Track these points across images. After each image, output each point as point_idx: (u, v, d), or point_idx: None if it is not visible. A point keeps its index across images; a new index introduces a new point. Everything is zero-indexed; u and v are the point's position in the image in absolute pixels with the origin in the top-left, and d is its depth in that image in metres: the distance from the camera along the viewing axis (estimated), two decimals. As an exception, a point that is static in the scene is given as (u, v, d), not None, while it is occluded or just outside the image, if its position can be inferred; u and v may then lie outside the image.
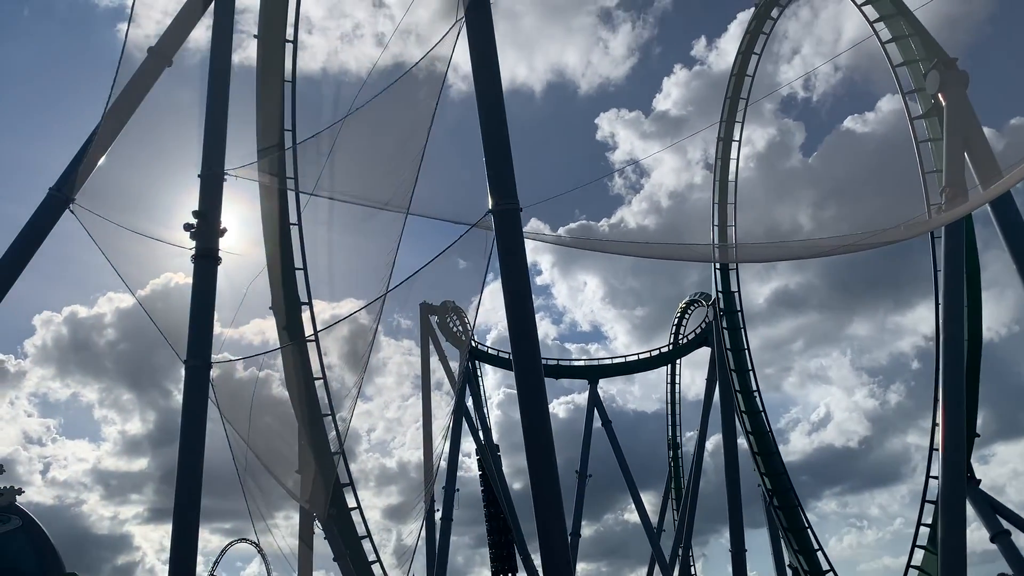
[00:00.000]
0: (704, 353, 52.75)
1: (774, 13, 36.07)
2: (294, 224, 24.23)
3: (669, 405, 64.76)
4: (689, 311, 60.95)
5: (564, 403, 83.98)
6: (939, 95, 23.34)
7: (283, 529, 24.04)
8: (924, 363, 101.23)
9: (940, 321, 21.06)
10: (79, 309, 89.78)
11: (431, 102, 16.08)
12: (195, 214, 18.39)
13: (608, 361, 55.33)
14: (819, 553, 31.73)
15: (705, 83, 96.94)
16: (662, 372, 63.26)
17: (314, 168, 19.90)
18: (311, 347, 25.04)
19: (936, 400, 25.34)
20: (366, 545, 26.86)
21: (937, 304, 24.80)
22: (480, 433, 55.84)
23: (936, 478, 25.45)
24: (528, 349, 14.05)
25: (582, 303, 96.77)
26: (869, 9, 26.35)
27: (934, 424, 25.34)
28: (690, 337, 55.88)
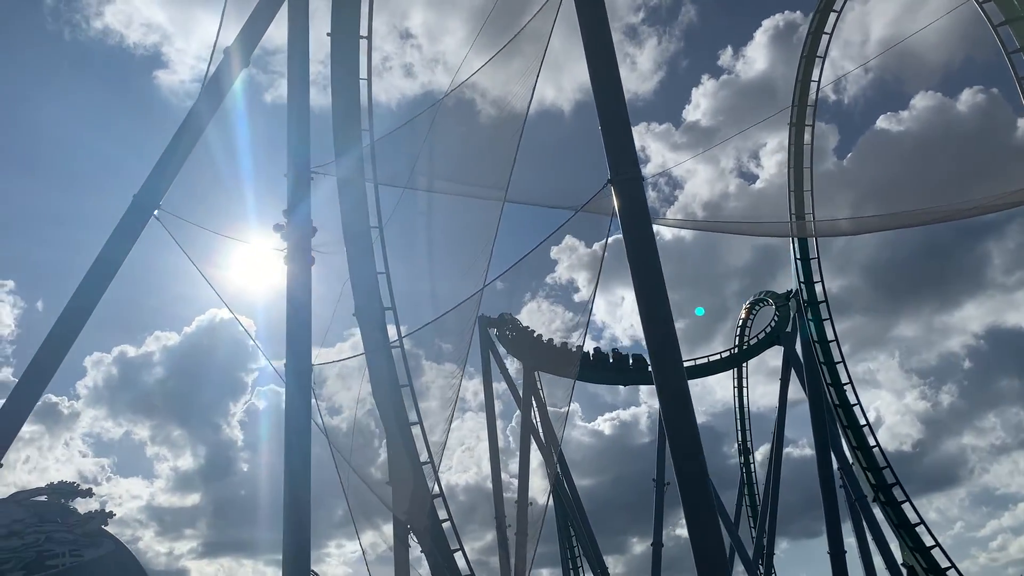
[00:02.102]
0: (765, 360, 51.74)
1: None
2: (374, 227, 23.44)
3: (737, 410, 63.25)
4: (755, 310, 59.46)
5: (616, 415, 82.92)
6: (1051, 50, 21.98)
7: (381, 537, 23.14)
8: (975, 362, 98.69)
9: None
10: (128, 349, 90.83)
11: (531, 77, 15.15)
12: (285, 213, 17.69)
13: (691, 363, 53.84)
14: (934, 550, 29.93)
15: (733, 92, 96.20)
16: (720, 380, 62.09)
17: (405, 163, 19.08)
18: (397, 353, 24.21)
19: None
20: (459, 560, 25.97)
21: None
22: (552, 449, 54.87)
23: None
24: (664, 332, 12.88)
25: (621, 318, 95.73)
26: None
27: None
28: (760, 337, 54.51)
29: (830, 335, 35.92)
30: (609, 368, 53.80)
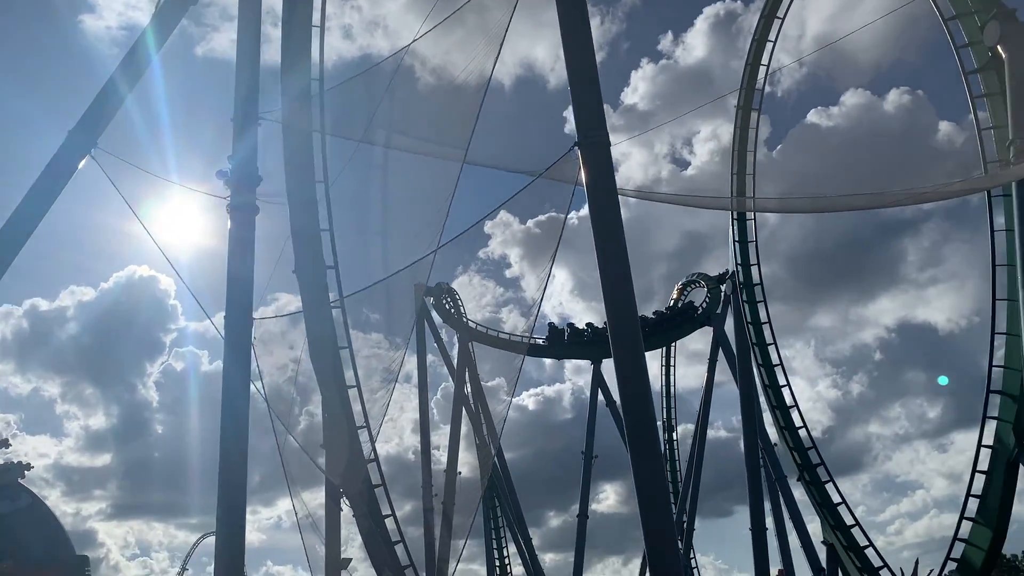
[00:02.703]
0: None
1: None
2: (320, 181, 22.66)
3: (664, 387, 64.26)
4: (688, 291, 60.28)
5: (541, 391, 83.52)
6: (998, 47, 22.44)
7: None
8: (886, 354, 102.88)
9: (1019, 280, 19.95)
10: (40, 302, 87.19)
11: (500, 29, 14.67)
12: (230, 159, 16.90)
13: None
14: (854, 529, 30.90)
15: (671, 77, 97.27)
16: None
17: (358, 117, 18.37)
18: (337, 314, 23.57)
19: (990, 370, 24.57)
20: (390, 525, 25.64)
21: (994, 266, 23.91)
22: (482, 419, 54.87)
23: (989, 446, 24.75)
24: (623, 300, 12.71)
25: (551, 296, 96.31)
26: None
27: (988, 392, 24.49)
28: (695, 314, 55.32)
29: (763, 317, 36.51)
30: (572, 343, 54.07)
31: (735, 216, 37.64)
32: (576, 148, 13.43)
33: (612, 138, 13.33)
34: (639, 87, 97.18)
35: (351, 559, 23.37)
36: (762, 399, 35.84)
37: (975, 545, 25.22)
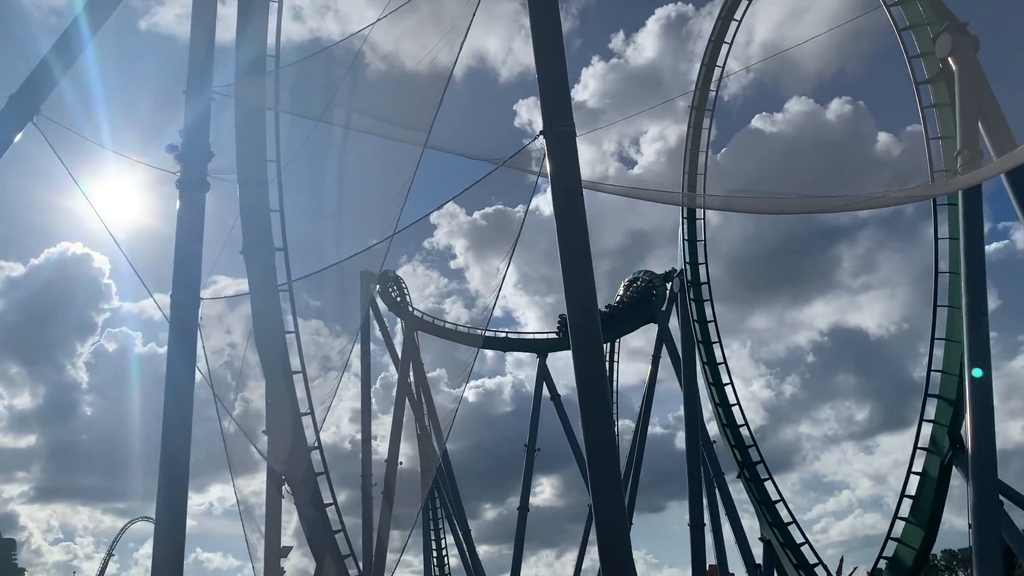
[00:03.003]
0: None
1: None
2: (272, 161, 22.09)
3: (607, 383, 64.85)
4: (634, 287, 60.82)
5: (482, 383, 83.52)
6: (949, 59, 22.94)
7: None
8: (818, 356, 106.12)
9: (962, 288, 20.41)
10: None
11: (469, 9, 14.40)
12: (181, 133, 16.30)
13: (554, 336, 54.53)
14: (791, 526, 31.52)
15: (621, 76, 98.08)
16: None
17: (315, 96, 17.90)
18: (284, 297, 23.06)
19: (928, 375, 25.21)
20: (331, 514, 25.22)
21: (937, 273, 24.53)
22: (424, 407, 54.55)
23: (924, 449, 25.42)
24: (584, 292, 12.59)
25: (494, 289, 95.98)
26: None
27: (926, 396, 25.14)
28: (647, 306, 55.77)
29: (708, 315, 36.94)
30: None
31: (685, 215, 37.99)
32: (541, 137, 13.25)
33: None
34: (589, 84, 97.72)
35: (291, 547, 22.89)
36: (703, 396, 36.33)
37: (907, 544, 25.92)
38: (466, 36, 14.29)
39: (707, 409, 36.15)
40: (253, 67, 19.76)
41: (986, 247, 21.12)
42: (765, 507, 31.81)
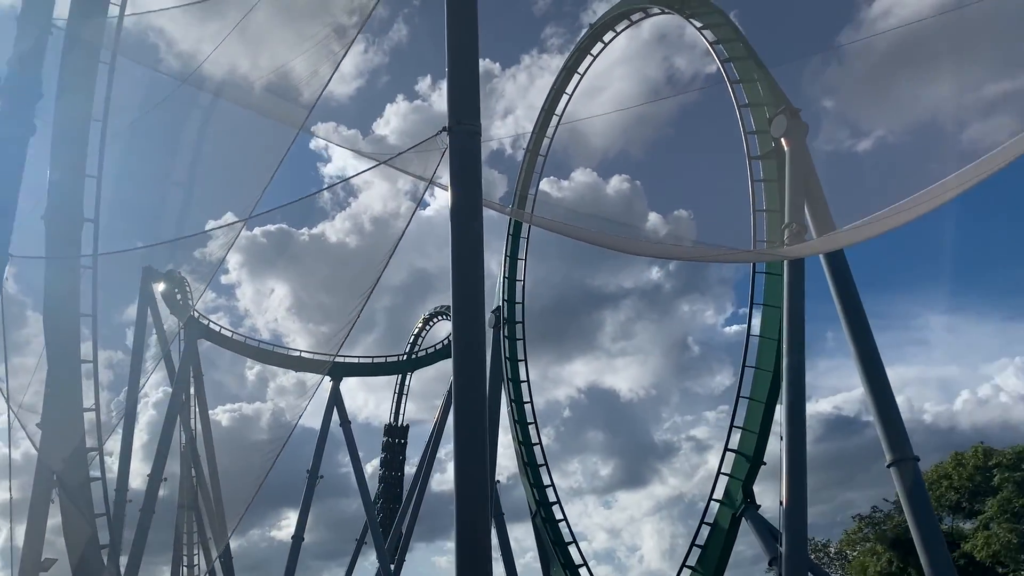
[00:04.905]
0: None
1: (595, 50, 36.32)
2: (97, 120, 19.54)
3: (393, 414, 63.80)
4: (433, 322, 60.64)
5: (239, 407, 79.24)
6: (782, 140, 24.78)
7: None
8: (573, 412, 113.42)
9: (784, 350, 21.73)
10: None
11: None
12: (9, 64, 13.93)
13: (354, 360, 52.87)
14: (583, 568, 31.92)
15: (423, 118, 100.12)
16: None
17: (169, 50, 16.02)
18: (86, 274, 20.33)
19: (730, 430, 26.63)
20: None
21: (748, 335, 26.12)
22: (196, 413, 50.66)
23: (719, 501, 26.69)
24: (472, 299, 11.87)
25: (266, 310, 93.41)
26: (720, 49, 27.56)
27: (725, 450, 26.49)
28: (438, 347, 55.58)
29: (519, 354, 37.20)
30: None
31: (508, 253, 38.31)
32: (444, 133, 12.51)
33: (358, 165, 12.61)
34: (391, 121, 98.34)
35: (55, 559, 19.74)
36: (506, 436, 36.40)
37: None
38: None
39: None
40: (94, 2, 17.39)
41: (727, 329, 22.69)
42: (558, 548, 32.05)
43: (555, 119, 37.93)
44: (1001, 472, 38.28)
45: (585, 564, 31.65)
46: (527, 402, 36.13)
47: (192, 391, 50.38)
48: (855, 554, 50.92)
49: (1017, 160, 12.12)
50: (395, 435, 63.58)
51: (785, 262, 22.68)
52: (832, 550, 57.01)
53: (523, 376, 36.63)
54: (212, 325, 52.53)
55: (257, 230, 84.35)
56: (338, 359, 54.31)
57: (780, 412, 21.43)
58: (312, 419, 54.05)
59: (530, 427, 35.69)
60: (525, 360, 36.99)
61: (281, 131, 14.26)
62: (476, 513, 10.91)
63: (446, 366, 59.11)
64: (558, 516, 33.35)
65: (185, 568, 51.04)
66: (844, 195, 24.34)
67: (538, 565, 33.67)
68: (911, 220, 15.42)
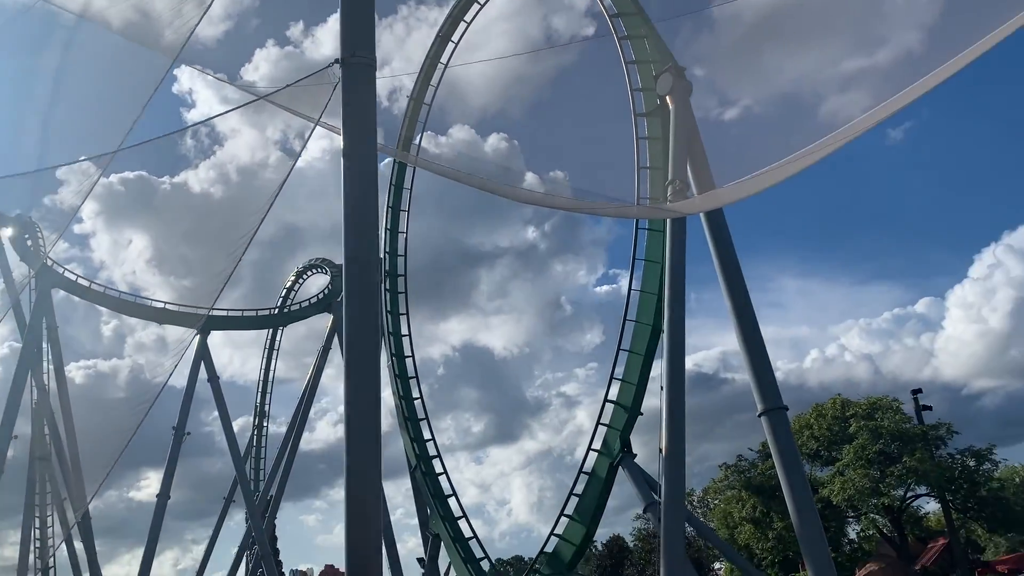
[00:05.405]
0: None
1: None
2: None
3: (264, 371, 61.96)
4: (307, 276, 58.97)
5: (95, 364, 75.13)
6: (667, 98, 25.07)
7: None
8: (447, 369, 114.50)
9: (665, 307, 22.13)
10: None
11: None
12: None
13: (224, 313, 50.69)
14: (462, 520, 32.03)
15: (295, 66, 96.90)
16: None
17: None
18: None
19: (610, 382, 27.14)
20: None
21: (630, 289, 26.60)
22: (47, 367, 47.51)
23: (597, 451, 27.24)
24: (366, 248, 11.25)
25: (124, 262, 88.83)
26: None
27: (605, 401, 27.02)
28: (312, 301, 54.25)
29: (401, 308, 36.68)
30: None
31: (390, 204, 37.48)
32: (336, 66, 11.82)
33: (221, 107, 11.92)
34: (260, 67, 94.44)
35: None
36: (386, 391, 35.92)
37: (567, 540, 27.54)
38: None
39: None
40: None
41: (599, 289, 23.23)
42: (438, 501, 32.01)
43: (440, 67, 37.14)
44: (857, 421, 41.07)
45: (464, 516, 31.83)
46: (408, 356, 35.72)
47: (45, 344, 47.17)
48: (716, 502, 53.70)
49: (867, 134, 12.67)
50: (267, 392, 61.86)
51: (667, 222, 23.10)
52: (695, 498, 59.99)
53: (404, 331, 36.15)
54: (68, 274, 49.11)
55: (114, 177, 79.50)
56: (202, 311, 52.26)
57: (659, 366, 21.99)
58: (175, 376, 51.80)
59: (411, 381, 35.36)
60: (407, 314, 36.50)
61: (146, 72, 13.13)
62: (368, 466, 10.52)
63: (316, 323, 57.77)
64: (438, 470, 33.31)
65: (38, 531, 48.27)
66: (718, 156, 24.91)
67: (408, 520, 33.79)
68: (790, 176, 15.89)
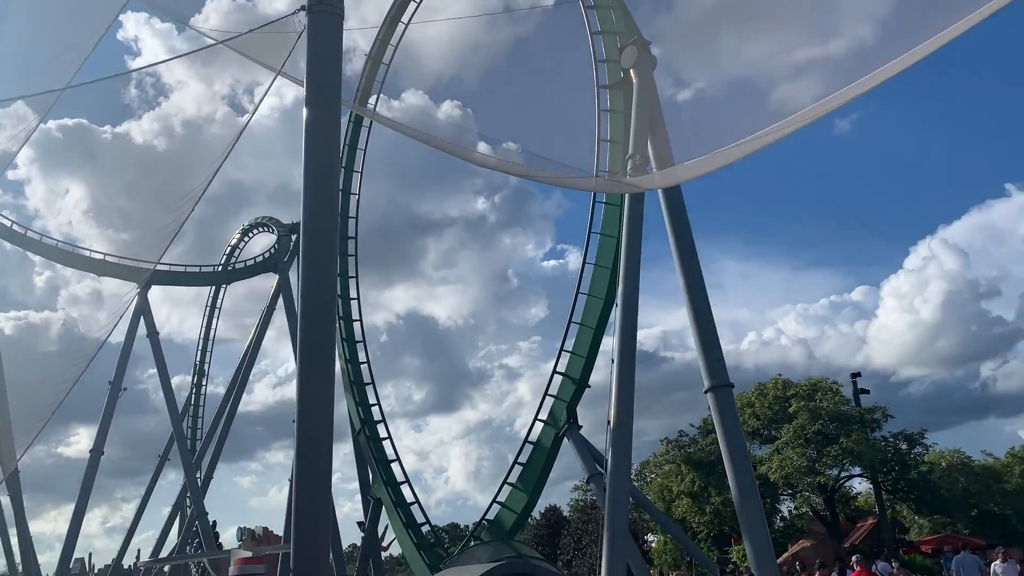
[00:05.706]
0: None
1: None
2: None
3: (204, 329, 60.82)
4: (252, 234, 57.80)
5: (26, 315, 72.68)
6: (631, 71, 24.89)
7: None
8: (391, 337, 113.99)
9: (620, 281, 22.06)
10: None
11: None
12: None
13: (167, 268, 49.39)
14: (404, 486, 31.91)
15: (248, 19, 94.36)
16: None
17: None
18: None
19: (560, 354, 27.17)
20: None
21: (584, 262, 26.54)
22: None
23: (543, 422, 27.34)
24: (326, 204, 10.89)
25: (59, 212, 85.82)
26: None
27: (553, 372, 27.07)
28: (258, 260, 53.25)
29: (351, 271, 36.17)
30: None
31: (344, 164, 36.75)
32: (301, 13, 11.37)
33: (171, 63, 11.49)
34: (211, 18, 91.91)
35: None
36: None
37: (509, 508, 27.68)
38: None
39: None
40: None
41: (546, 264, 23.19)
42: (381, 465, 31.85)
43: (400, 27, 36.42)
44: (797, 402, 41.98)
45: (408, 481, 31.74)
46: (356, 320, 35.29)
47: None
48: (654, 475, 54.60)
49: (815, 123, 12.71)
50: (207, 350, 60.71)
51: (625, 197, 23.02)
52: (633, 471, 60.88)
53: (353, 294, 35.67)
54: (3, 219, 47.15)
55: (52, 123, 76.67)
56: (146, 266, 50.82)
57: (610, 339, 22.01)
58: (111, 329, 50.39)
59: (358, 345, 34.96)
60: (357, 277, 36.02)
61: (89, 13, 12.49)
62: (320, 427, 10.23)
63: (257, 283, 56.72)
64: (383, 435, 33.10)
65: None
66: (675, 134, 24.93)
67: (345, 485, 33.58)
68: (744, 156, 15.91)
